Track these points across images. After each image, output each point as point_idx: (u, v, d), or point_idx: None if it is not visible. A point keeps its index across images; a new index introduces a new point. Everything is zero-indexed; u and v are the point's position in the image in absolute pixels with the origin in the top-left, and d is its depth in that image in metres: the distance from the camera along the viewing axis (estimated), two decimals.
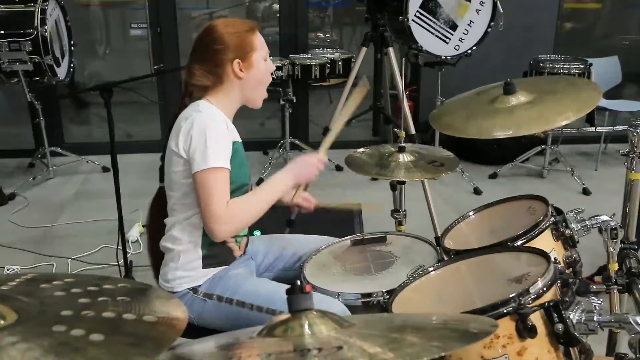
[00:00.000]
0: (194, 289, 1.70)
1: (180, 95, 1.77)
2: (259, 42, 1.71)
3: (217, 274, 1.72)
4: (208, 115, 1.64)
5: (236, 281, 1.71)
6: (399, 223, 2.61)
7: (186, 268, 1.70)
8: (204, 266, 1.71)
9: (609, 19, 5.77)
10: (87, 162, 4.66)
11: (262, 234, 2.04)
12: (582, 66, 4.27)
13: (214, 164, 1.58)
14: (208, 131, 1.59)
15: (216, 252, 1.71)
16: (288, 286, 0.92)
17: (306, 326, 0.86)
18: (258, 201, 1.68)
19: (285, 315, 0.90)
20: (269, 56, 1.79)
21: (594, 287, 1.50)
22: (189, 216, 1.69)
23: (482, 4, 3.60)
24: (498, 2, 3.60)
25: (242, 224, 1.68)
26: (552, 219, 1.53)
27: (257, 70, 1.71)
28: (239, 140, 1.74)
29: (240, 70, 1.68)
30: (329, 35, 5.74)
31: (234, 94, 1.71)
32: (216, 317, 1.68)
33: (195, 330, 1.70)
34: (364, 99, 2.03)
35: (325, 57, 4.48)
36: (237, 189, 1.68)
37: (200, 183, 1.59)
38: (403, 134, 2.13)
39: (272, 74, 1.79)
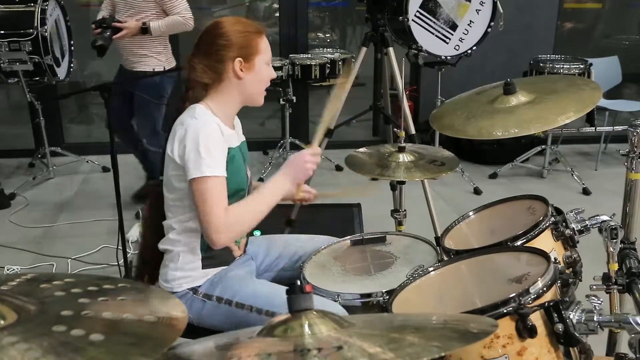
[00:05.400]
0: (194, 290, 1.70)
1: (180, 94, 1.76)
2: (264, 46, 1.70)
3: (217, 274, 1.73)
4: (202, 122, 1.62)
5: (236, 282, 1.70)
6: (399, 223, 2.61)
7: (185, 269, 1.70)
8: (204, 267, 1.71)
9: (609, 19, 5.77)
10: (87, 162, 4.66)
11: (262, 234, 2.04)
12: (582, 66, 4.27)
13: (208, 172, 1.57)
14: (201, 139, 1.58)
15: (216, 254, 1.71)
16: (287, 288, 0.92)
17: (306, 326, 0.86)
18: (257, 207, 1.65)
19: (285, 315, 0.90)
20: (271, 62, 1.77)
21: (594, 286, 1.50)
22: (186, 219, 1.68)
23: (482, 4, 3.60)
24: (498, 2, 3.60)
25: (241, 231, 1.68)
26: (552, 219, 1.53)
27: (257, 74, 1.69)
28: (237, 144, 1.73)
29: (241, 69, 1.66)
30: (329, 35, 5.73)
31: (233, 94, 1.70)
32: (215, 318, 1.68)
33: (194, 331, 1.70)
34: (350, 91, 2.01)
35: (325, 57, 4.48)
36: (234, 194, 1.68)
37: (197, 191, 1.58)
38: (403, 134, 2.13)
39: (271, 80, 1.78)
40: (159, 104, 3.56)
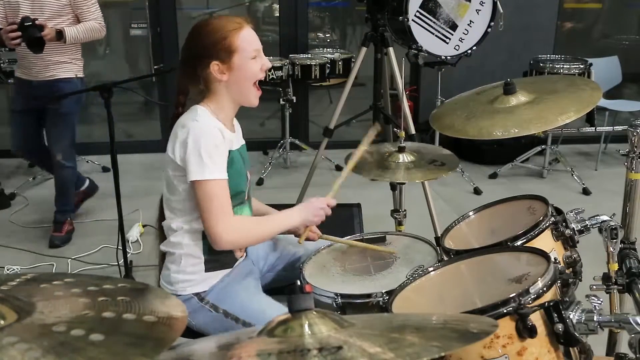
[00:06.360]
0: (200, 296, 1.70)
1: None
2: (241, 42, 1.65)
3: (224, 281, 1.72)
4: (204, 124, 1.62)
5: (244, 298, 1.70)
6: (399, 223, 2.61)
7: (188, 272, 1.70)
8: (207, 270, 1.71)
9: (609, 19, 5.77)
10: (87, 162, 4.66)
11: None
12: (582, 66, 4.27)
13: (210, 175, 1.58)
14: (203, 142, 1.59)
15: (218, 256, 1.71)
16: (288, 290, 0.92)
17: (306, 326, 0.86)
18: (261, 227, 1.72)
19: (285, 315, 0.90)
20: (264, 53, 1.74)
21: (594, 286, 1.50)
22: (189, 221, 1.68)
23: (482, 4, 3.60)
24: (498, 2, 3.60)
25: (240, 239, 1.69)
26: (552, 219, 1.53)
27: (239, 71, 1.66)
28: (237, 147, 1.74)
29: (222, 72, 1.65)
30: (329, 35, 5.73)
31: (224, 96, 1.69)
32: (220, 330, 1.67)
33: (194, 332, 1.70)
34: (375, 136, 2.02)
35: (325, 57, 4.48)
36: (234, 196, 1.68)
37: (200, 194, 1.59)
38: (403, 134, 2.13)
39: (269, 71, 1.77)
40: (76, 115, 3.36)
